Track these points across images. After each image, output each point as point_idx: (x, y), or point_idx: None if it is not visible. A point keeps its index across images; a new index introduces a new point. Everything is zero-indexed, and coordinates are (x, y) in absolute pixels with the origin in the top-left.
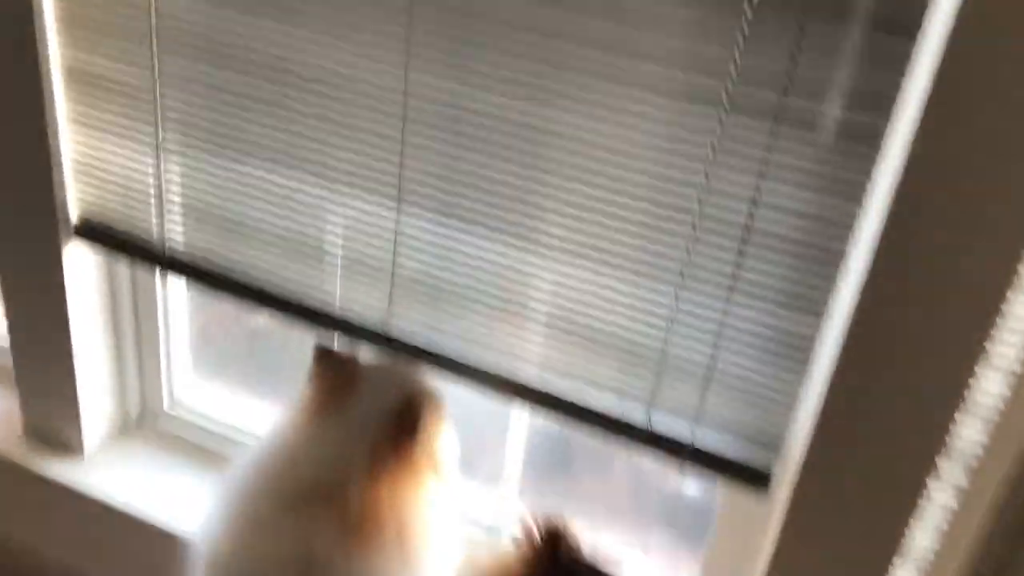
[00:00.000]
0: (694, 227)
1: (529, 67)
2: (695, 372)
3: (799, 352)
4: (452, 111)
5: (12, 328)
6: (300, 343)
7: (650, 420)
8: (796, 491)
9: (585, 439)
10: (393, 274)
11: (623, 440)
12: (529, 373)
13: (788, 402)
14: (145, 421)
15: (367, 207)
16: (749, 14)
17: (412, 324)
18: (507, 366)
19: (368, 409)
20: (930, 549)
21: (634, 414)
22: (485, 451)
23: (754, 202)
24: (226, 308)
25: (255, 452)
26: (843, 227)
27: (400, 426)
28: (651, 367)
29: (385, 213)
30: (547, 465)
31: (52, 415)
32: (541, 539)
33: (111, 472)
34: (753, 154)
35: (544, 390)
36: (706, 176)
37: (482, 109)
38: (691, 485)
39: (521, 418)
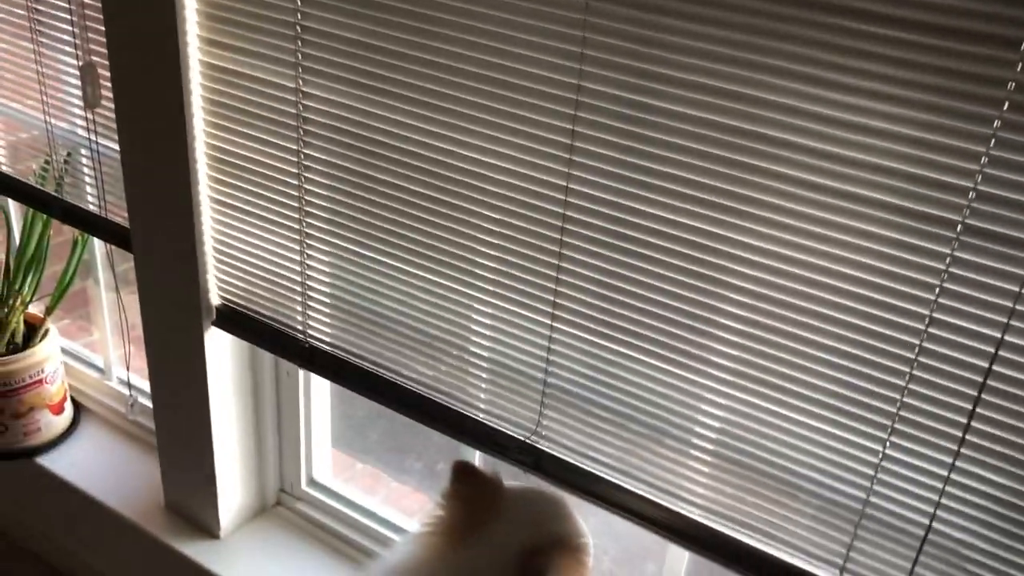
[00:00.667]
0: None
1: (709, 181)
2: (902, 535)
3: None
4: (616, 222)
5: (157, 409)
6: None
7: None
8: None
9: None
10: (545, 384)
11: None
12: (691, 511)
13: None
14: (283, 503)
15: (519, 311)
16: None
17: (562, 441)
18: (666, 499)
19: (505, 541)
20: None
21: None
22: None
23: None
24: None
25: (383, 570)
26: None
27: (525, 571)
28: (847, 523)
29: (538, 318)
30: None
31: (191, 494)
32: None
33: (246, 555)
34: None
35: (707, 528)
36: (933, 306)
37: (650, 226)
38: None
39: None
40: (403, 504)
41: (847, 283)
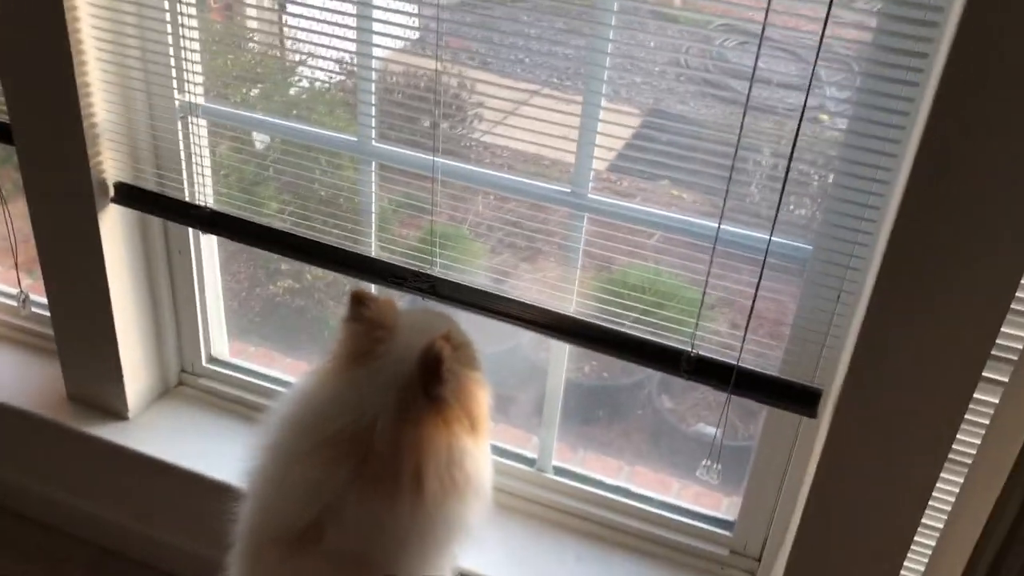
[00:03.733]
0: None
1: None
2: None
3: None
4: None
5: (53, 300)
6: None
7: (693, 347)
8: (840, 408)
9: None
10: (432, 216)
11: (671, 370)
12: (567, 308)
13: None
14: (185, 383)
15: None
16: None
17: (454, 267)
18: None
19: (402, 353)
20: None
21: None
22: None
23: None
24: (253, 276)
25: (289, 399)
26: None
27: (423, 368)
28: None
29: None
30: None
31: (95, 380)
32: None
33: (157, 431)
34: None
35: (584, 320)
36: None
37: None
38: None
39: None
40: (302, 372)
41: None
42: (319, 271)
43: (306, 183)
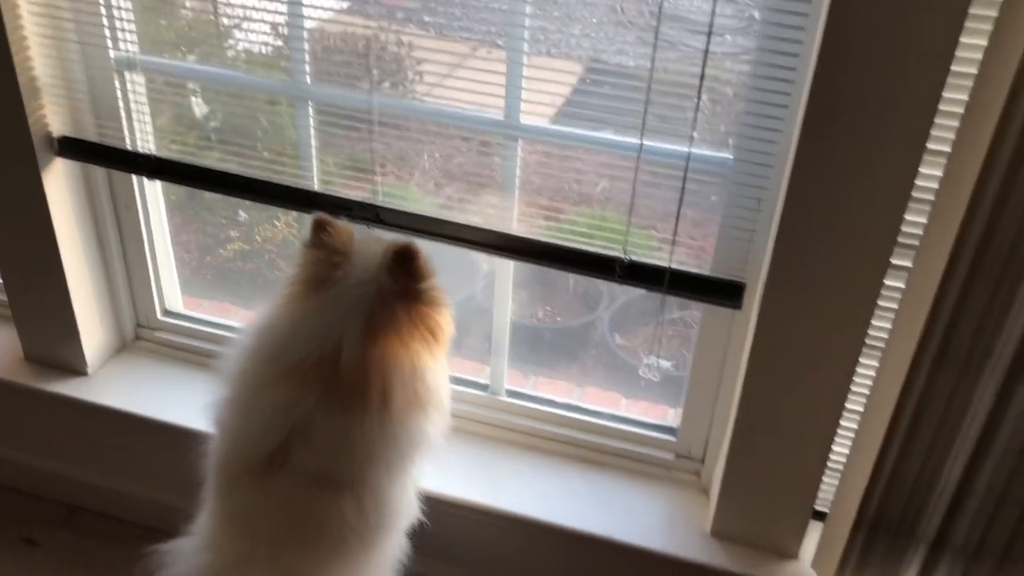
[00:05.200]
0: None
1: None
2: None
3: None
4: None
5: (3, 264)
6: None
7: (626, 252)
8: (765, 299)
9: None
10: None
11: (607, 275)
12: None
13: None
14: (142, 337)
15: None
16: None
17: (395, 195)
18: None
19: (359, 278)
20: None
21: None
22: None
23: None
24: (203, 245)
25: (252, 331)
26: None
27: (398, 265)
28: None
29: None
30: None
31: (52, 339)
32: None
33: (118, 384)
34: None
35: (524, 237)
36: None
37: None
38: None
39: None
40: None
41: None
42: (268, 232)
43: (248, 127)
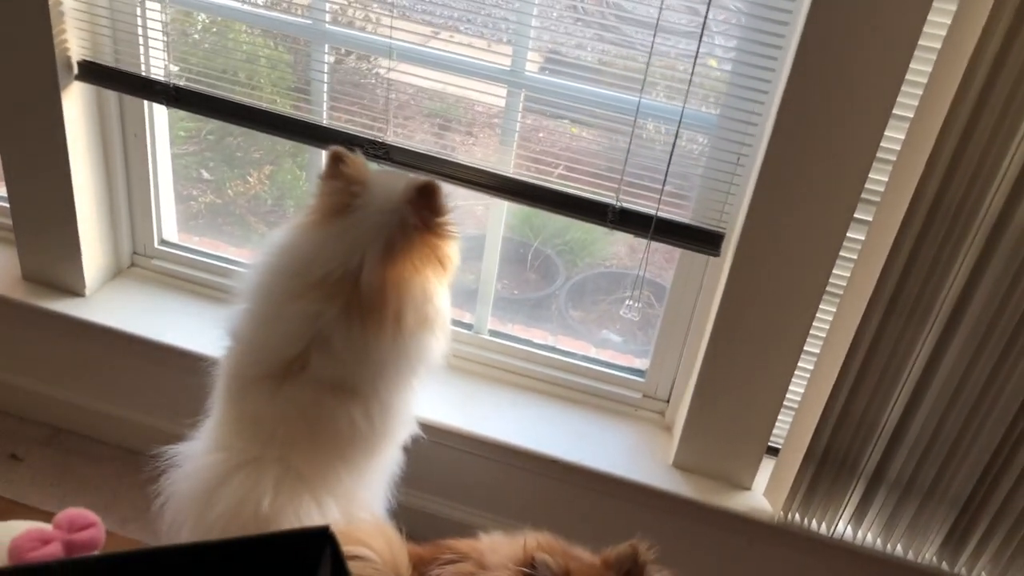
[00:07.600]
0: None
1: None
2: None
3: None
4: None
5: (11, 182)
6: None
7: (619, 200)
8: (740, 246)
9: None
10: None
11: (599, 220)
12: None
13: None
14: (138, 264)
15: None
16: None
17: (406, 135)
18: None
19: (379, 206)
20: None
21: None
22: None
23: None
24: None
25: (272, 250)
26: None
27: (422, 199)
28: (617, 176)
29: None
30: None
31: (53, 260)
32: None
33: (116, 306)
34: None
35: (522, 179)
36: None
37: None
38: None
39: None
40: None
41: None
42: (241, 187)
43: (263, 66)
